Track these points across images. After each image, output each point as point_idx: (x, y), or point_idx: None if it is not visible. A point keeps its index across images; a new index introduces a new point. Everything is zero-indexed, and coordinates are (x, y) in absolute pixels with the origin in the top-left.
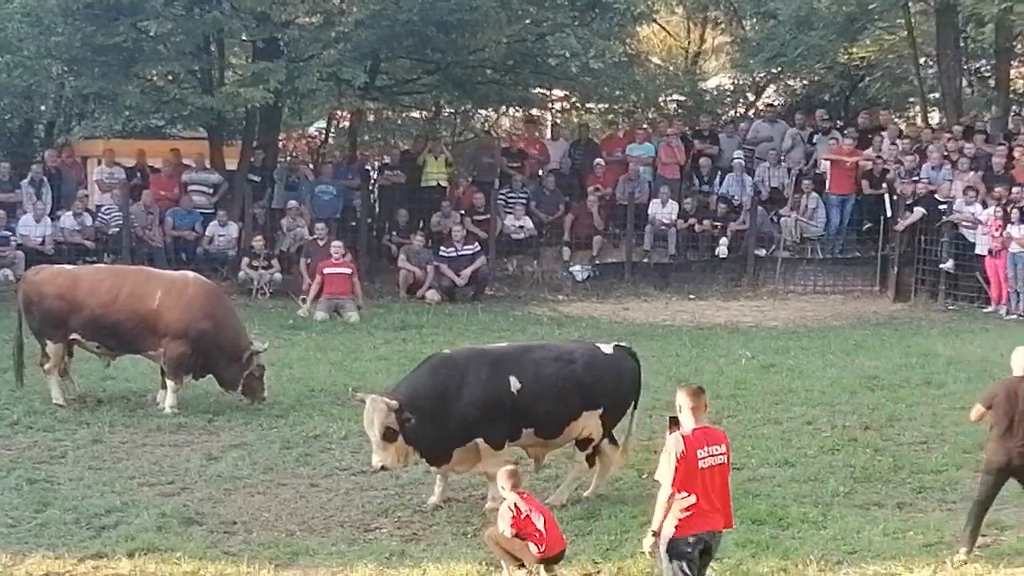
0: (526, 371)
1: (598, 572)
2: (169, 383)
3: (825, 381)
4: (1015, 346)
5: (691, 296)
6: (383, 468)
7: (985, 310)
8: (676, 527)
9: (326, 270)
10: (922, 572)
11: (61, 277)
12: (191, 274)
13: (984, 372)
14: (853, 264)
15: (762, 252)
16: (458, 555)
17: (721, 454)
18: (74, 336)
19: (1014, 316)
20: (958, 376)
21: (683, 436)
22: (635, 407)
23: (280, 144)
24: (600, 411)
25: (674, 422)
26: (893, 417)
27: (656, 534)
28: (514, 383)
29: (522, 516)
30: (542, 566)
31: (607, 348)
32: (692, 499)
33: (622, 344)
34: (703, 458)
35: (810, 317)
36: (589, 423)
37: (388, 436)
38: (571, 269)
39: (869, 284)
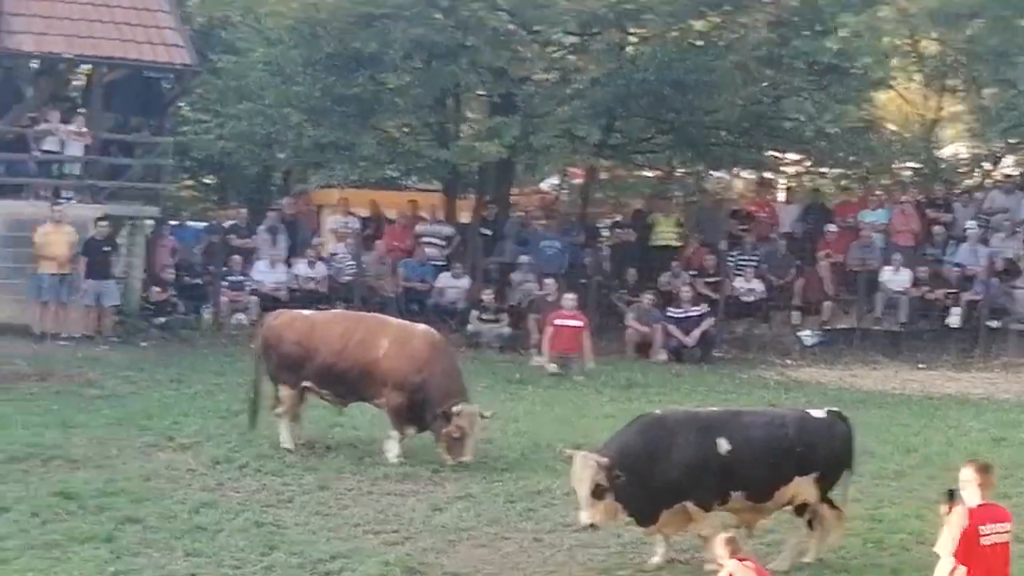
0: (736, 434)
1: None
2: (391, 433)
3: None
4: None
5: (921, 365)
6: (591, 526)
7: None
8: None
9: (557, 321)
10: None
11: (299, 322)
12: (421, 326)
13: None
14: None
15: (995, 323)
16: None
17: (1005, 532)
18: (306, 383)
19: None
20: None
21: (968, 510)
22: (850, 471)
23: (512, 199)
24: (814, 476)
25: (952, 495)
26: None
27: None
28: (723, 445)
29: None
30: None
31: (819, 413)
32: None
33: (834, 409)
34: (986, 535)
35: None
36: (803, 488)
37: (597, 493)
38: (800, 334)
39: None
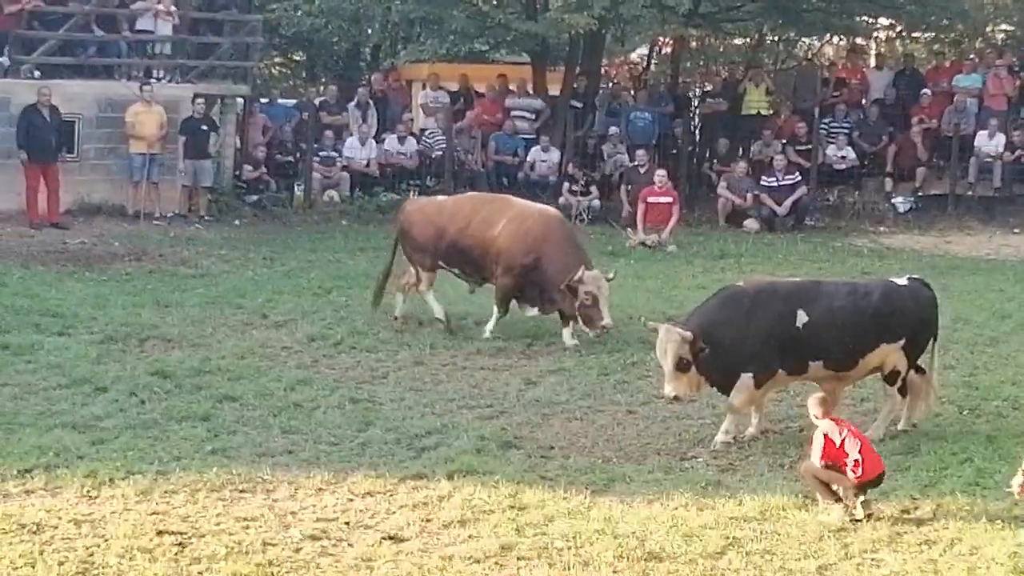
0: (815, 305)
1: (916, 508)
2: (495, 310)
3: None
4: None
5: (1016, 230)
6: (675, 399)
7: None
8: None
9: (649, 198)
10: None
11: (430, 205)
12: (539, 207)
13: None
14: None
15: None
16: (774, 487)
17: None
18: (440, 263)
19: None
20: None
21: None
22: (935, 339)
23: (602, 70)
24: (900, 343)
25: None
26: None
27: None
28: (801, 317)
29: (836, 445)
30: (860, 496)
31: (901, 281)
32: None
33: (916, 276)
34: None
35: None
36: (891, 356)
37: (681, 366)
38: (893, 201)
39: None
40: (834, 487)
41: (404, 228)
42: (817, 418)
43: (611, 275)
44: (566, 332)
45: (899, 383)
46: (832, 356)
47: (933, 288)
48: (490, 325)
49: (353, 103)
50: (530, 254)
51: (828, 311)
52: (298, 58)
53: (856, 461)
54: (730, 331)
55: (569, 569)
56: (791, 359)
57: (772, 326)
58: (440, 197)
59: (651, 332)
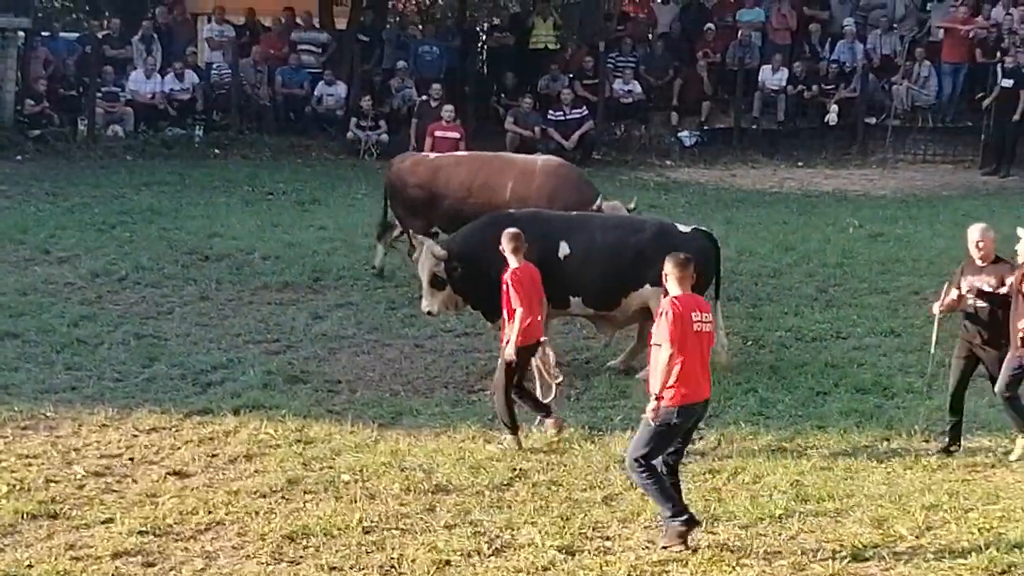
0: (579, 237)
1: (700, 438)
2: None
3: (933, 251)
4: None
5: (799, 163)
6: (429, 314)
7: None
8: (673, 395)
9: (437, 133)
10: None
11: (422, 166)
12: (541, 160)
13: None
14: (964, 134)
15: (872, 120)
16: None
17: (708, 321)
18: (435, 229)
19: None
20: None
21: (675, 299)
22: (717, 296)
23: (389, 4)
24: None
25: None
26: None
27: (659, 399)
28: (563, 249)
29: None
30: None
31: (684, 228)
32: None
33: (702, 228)
34: (696, 321)
35: (919, 186)
36: (654, 300)
37: (435, 283)
38: (679, 134)
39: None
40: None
41: (395, 187)
42: (507, 251)
43: (632, 204)
44: None
45: None
46: (590, 292)
47: (718, 245)
48: None
49: (137, 37)
50: (552, 207)
51: (590, 245)
52: None
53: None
54: (488, 254)
55: (356, 502)
56: (553, 292)
57: (534, 254)
58: (430, 155)
59: (418, 245)
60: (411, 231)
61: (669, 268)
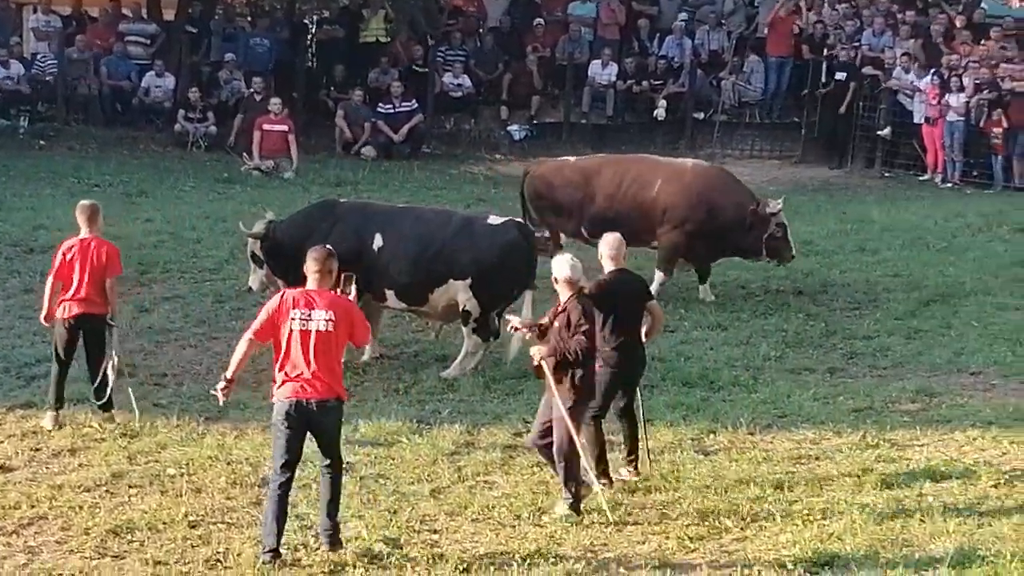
0: (393, 229)
1: (527, 431)
2: (657, 273)
3: None
4: (949, 214)
5: None
6: (250, 290)
7: (921, 178)
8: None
9: (264, 126)
10: (851, 437)
11: (567, 169)
12: (691, 161)
13: (918, 239)
14: (790, 129)
15: (700, 115)
16: (388, 412)
17: (323, 320)
18: (583, 229)
19: (949, 184)
20: (892, 243)
21: (285, 291)
22: (529, 288)
23: None
24: (467, 281)
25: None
26: (826, 283)
27: (229, 380)
28: (377, 240)
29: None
30: None
31: (495, 220)
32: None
33: (519, 221)
34: (299, 318)
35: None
36: (460, 295)
37: (256, 261)
38: (509, 128)
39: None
40: None
41: (540, 193)
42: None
43: (779, 205)
44: (703, 288)
45: (471, 324)
46: (399, 286)
47: (533, 236)
48: (655, 287)
49: None
50: (700, 207)
51: (399, 238)
52: None
53: None
54: (305, 238)
55: (181, 496)
56: (371, 284)
57: (351, 244)
58: (569, 159)
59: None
60: (559, 232)
61: (307, 262)
